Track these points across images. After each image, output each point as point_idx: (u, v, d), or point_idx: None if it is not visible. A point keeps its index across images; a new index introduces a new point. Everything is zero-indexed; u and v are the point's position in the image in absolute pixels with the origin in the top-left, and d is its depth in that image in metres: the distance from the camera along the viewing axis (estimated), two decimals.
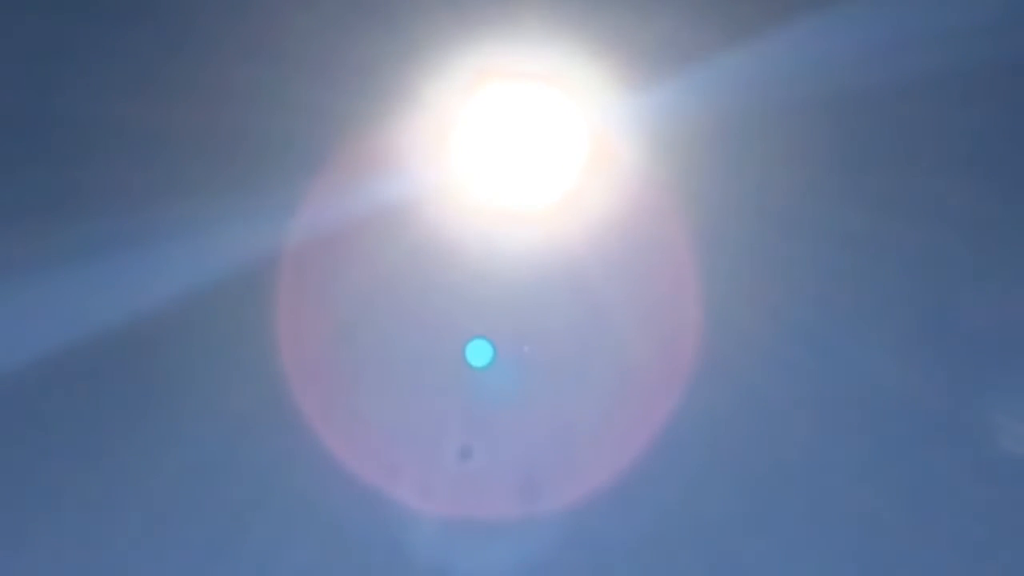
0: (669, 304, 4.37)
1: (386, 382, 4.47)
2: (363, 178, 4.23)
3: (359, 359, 4.43)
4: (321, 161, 4.18)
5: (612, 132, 4.26)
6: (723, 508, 4.36)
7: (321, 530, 4.36)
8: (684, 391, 4.31)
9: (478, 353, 4.35)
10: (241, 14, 4.02)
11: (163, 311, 4.26)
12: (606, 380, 4.38)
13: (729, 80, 4.15)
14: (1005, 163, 4.35)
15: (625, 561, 4.35)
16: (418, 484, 4.42)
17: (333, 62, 4.09)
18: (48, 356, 4.20)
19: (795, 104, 4.17)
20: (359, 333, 4.40)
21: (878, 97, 4.21)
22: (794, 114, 4.18)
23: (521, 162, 4.35)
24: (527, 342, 4.40)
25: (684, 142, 4.22)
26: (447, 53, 4.13)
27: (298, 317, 4.42)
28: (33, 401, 4.27)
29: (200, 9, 4.05)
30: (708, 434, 4.35)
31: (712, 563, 4.37)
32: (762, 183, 4.23)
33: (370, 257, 4.31)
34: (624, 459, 4.38)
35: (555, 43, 4.15)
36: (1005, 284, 4.30)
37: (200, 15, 4.06)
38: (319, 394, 4.41)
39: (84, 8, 4.10)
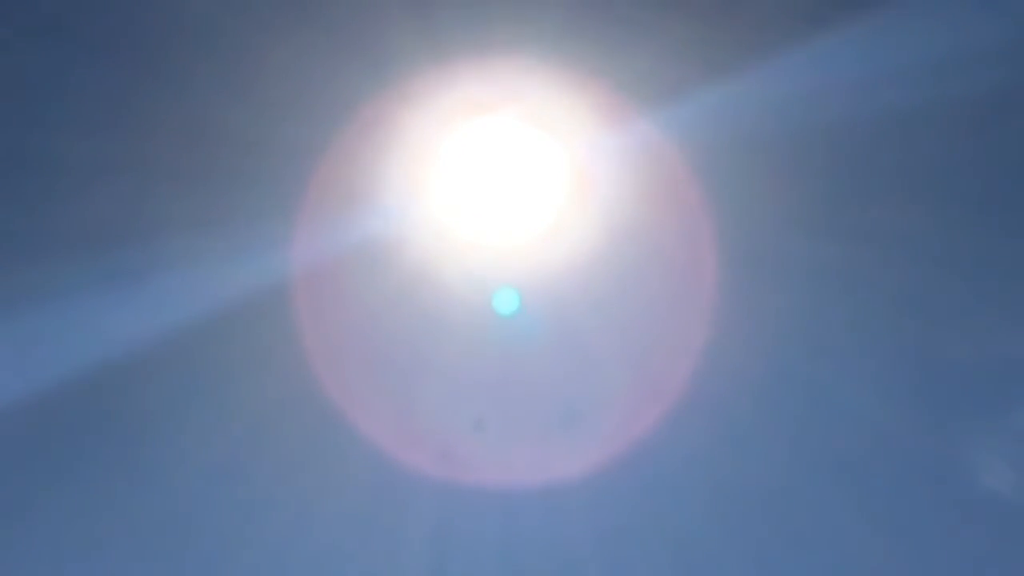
0: (648, 332, 4.40)
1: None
2: (347, 213, 4.32)
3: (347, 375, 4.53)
4: (305, 196, 4.27)
5: (593, 166, 4.30)
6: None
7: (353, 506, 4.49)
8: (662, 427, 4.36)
9: (505, 302, 4.40)
10: (225, 54, 4.13)
11: (163, 339, 4.39)
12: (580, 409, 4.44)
13: (710, 115, 4.16)
14: (993, 198, 4.29)
15: (648, 521, 4.42)
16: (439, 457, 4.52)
17: (315, 99, 4.17)
18: (54, 383, 4.38)
19: (776, 138, 4.17)
20: (343, 358, 4.50)
21: (860, 131, 4.19)
22: (775, 148, 4.18)
23: (502, 196, 4.41)
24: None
25: (664, 176, 4.24)
26: (429, 89, 4.19)
27: (298, 339, 4.53)
28: (38, 429, 4.44)
29: (188, 50, 4.17)
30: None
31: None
32: (743, 217, 4.24)
33: (354, 288, 4.41)
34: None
35: (537, 79, 4.19)
36: (989, 322, 4.24)
37: (188, 57, 4.17)
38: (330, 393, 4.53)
39: (87, 56, 4.28)
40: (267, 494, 4.53)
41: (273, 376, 4.43)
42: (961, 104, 4.03)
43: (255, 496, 4.53)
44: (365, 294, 4.42)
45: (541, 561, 4.39)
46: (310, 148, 4.24)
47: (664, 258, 4.40)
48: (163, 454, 4.47)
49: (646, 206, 4.33)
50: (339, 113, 4.21)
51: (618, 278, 4.40)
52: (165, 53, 4.23)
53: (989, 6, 4.17)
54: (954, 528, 4.18)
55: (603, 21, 4.21)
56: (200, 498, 4.50)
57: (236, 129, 4.16)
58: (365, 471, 4.48)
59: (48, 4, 4.23)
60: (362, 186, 4.34)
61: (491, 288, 4.43)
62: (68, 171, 4.27)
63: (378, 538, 4.44)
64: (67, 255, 4.28)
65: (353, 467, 4.48)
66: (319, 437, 4.49)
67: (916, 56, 4.02)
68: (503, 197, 4.44)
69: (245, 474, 4.48)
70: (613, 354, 4.48)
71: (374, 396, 4.52)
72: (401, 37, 4.13)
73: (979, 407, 4.24)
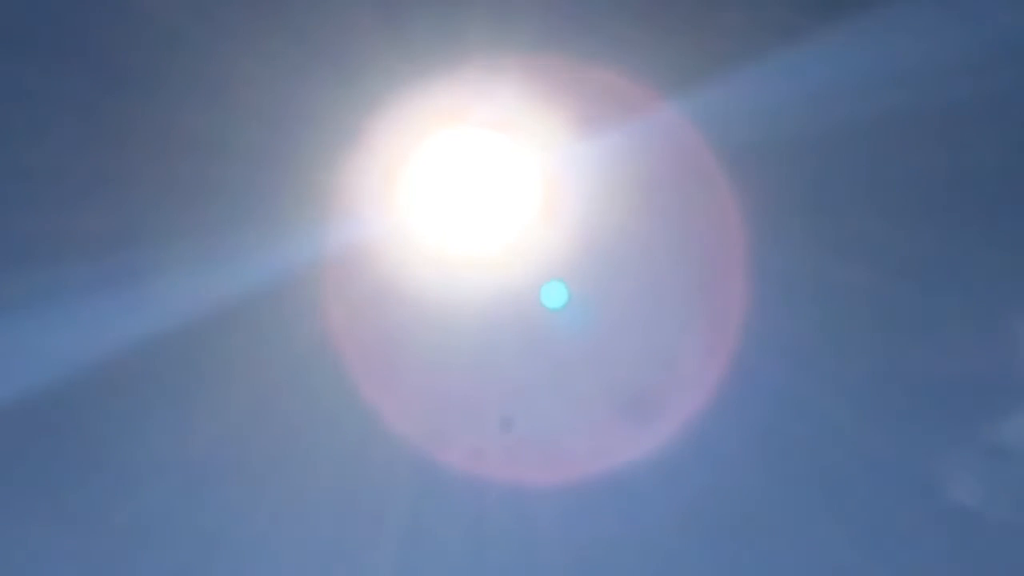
0: (622, 345, 4.47)
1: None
2: (323, 221, 4.37)
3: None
4: (279, 205, 4.32)
5: (564, 177, 4.31)
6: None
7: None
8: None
9: (553, 295, 4.39)
10: (211, 68, 4.20)
11: (160, 339, 4.43)
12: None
13: (683, 124, 4.19)
14: (970, 211, 4.32)
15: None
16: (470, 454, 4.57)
17: (290, 109, 4.22)
18: (54, 383, 4.45)
19: (751, 148, 4.16)
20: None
21: (837, 141, 4.16)
22: (750, 158, 4.18)
23: (474, 206, 4.44)
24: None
25: (635, 187, 4.26)
26: (402, 100, 4.22)
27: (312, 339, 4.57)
28: (38, 428, 4.51)
29: (177, 66, 4.25)
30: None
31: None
32: (714, 227, 4.26)
33: (333, 297, 4.47)
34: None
35: (509, 89, 4.22)
36: (960, 337, 4.29)
37: (178, 71, 4.26)
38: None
39: (88, 70, 4.35)
40: (280, 495, 4.55)
41: (291, 377, 4.46)
42: (933, 113, 4.07)
43: (260, 497, 4.55)
44: (368, 295, 4.47)
45: (573, 558, 4.42)
46: (309, 155, 4.28)
47: (663, 260, 4.43)
48: (162, 455, 4.52)
49: (645, 207, 4.33)
50: (314, 124, 4.25)
51: (623, 278, 4.45)
52: (159, 70, 4.31)
53: (987, 11, 4.21)
54: (932, 541, 4.18)
55: (590, 27, 4.23)
56: (194, 498, 4.54)
57: (225, 140, 4.22)
58: (396, 469, 4.51)
59: (53, 19, 4.30)
60: (336, 196, 4.38)
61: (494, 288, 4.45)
62: (70, 178, 4.36)
63: (414, 536, 4.47)
64: (68, 258, 4.35)
65: (382, 465, 4.51)
66: (343, 435, 4.51)
67: (912, 60, 4.04)
68: (473, 209, 4.47)
69: (258, 477, 4.54)
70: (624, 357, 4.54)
71: (400, 393, 4.53)
72: (403, 46, 4.19)
73: (955, 420, 4.26)
